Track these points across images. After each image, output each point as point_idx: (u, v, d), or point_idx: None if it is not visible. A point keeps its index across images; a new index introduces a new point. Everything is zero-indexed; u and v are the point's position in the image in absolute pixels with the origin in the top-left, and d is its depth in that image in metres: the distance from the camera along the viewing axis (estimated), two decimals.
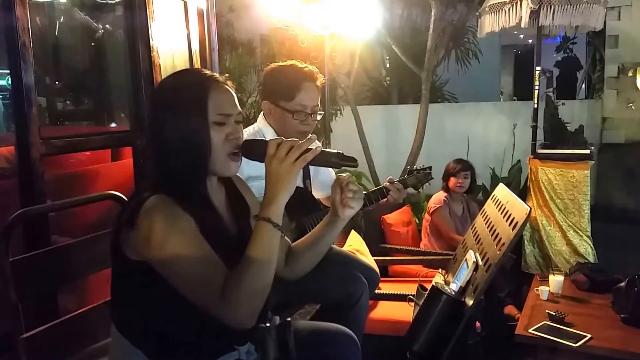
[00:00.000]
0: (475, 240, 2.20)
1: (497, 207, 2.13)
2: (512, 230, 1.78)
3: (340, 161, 1.77)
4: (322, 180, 3.20)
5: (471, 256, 1.95)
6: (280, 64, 2.90)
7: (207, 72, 1.82)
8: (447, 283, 1.98)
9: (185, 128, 1.70)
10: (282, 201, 1.66)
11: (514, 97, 14.86)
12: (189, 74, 1.96)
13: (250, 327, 1.62)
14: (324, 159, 1.73)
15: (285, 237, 2.10)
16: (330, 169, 3.31)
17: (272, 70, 2.89)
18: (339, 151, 1.77)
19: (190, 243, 1.61)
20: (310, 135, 1.83)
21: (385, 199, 2.98)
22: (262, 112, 2.96)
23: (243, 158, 1.79)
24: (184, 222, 1.62)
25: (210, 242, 1.66)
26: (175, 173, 1.72)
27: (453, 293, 1.88)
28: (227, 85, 1.81)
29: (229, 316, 1.59)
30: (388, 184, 2.99)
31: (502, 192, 2.22)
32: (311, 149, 1.69)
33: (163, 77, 3.38)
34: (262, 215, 1.65)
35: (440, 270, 2.19)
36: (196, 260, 1.61)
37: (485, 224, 2.17)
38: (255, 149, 1.75)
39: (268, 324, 1.55)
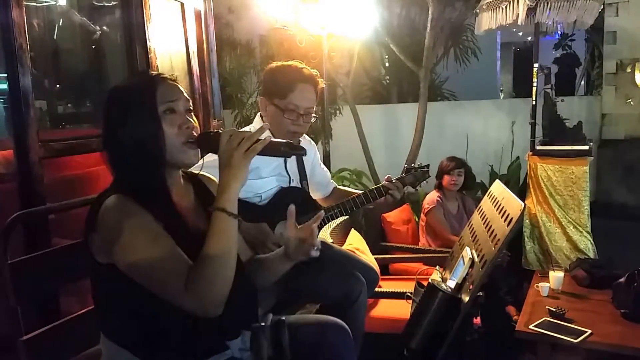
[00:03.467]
0: (471, 236, 2.20)
1: (493, 203, 2.14)
2: (507, 226, 1.79)
3: (290, 150, 1.81)
4: (318, 181, 3.22)
5: (467, 253, 1.96)
6: (283, 63, 2.92)
7: (154, 72, 1.88)
8: (444, 280, 1.99)
9: (138, 124, 1.73)
10: (235, 190, 1.70)
11: (514, 95, 14.85)
12: (136, 75, 2.07)
13: (217, 315, 1.64)
14: (274, 149, 1.77)
15: (248, 249, 2.16)
16: (325, 170, 3.32)
17: (272, 68, 2.91)
18: (288, 141, 1.80)
19: (149, 238, 1.64)
20: (262, 124, 1.85)
21: (384, 197, 2.99)
22: (259, 113, 2.98)
23: None
24: (142, 218, 1.65)
25: (173, 237, 1.68)
26: (133, 170, 1.76)
27: (449, 290, 1.88)
28: (175, 81, 1.85)
29: (193, 306, 1.61)
30: (386, 182, 3.00)
31: (498, 188, 2.23)
32: (261, 139, 1.72)
33: None
34: (216, 205, 1.68)
35: (437, 267, 2.19)
36: (157, 255, 1.63)
37: (482, 220, 2.18)
38: (209, 141, 1.79)
39: (262, 323, 1.56)
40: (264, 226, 2.74)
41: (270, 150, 1.74)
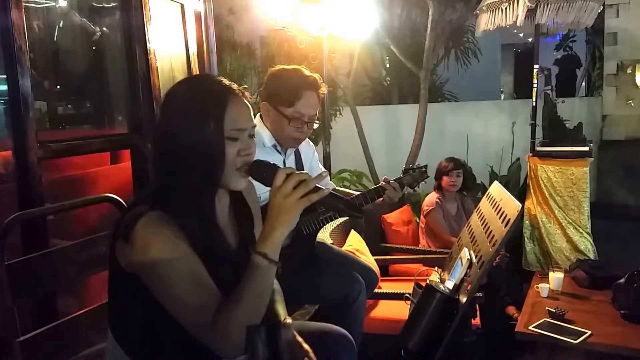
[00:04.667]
0: (470, 237, 2.20)
1: (491, 204, 2.14)
2: (505, 227, 1.78)
3: (347, 209, 1.71)
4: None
5: (465, 254, 1.96)
6: (285, 67, 2.90)
7: (226, 81, 1.74)
8: (442, 281, 1.99)
9: (200, 140, 1.62)
10: (281, 236, 1.59)
11: (514, 96, 14.85)
12: (206, 81, 1.82)
13: (238, 356, 1.58)
14: (330, 203, 1.68)
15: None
16: (322, 168, 3.32)
17: (275, 73, 2.89)
18: (348, 198, 1.71)
19: (184, 269, 1.57)
20: (323, 171, 1.77)
21: (381, 198, 2.98)
22: (259, 113, 2.97)
23: None
24: (179, 245, 1.58)
25: (209, 259, 1.62)
26: (182, 187, 1.65)
27: (447, 291, 1.88)
28: (245, 97, 1.74)
29: (217, 345, 1.57)
30: (384, 183, 2.99)
31: (496, 189, 2.23)
32: (320, 187, 1.61)
33: (160, 79, 3.43)
34: (258, 249, 1.59)
35: (436, 268, 2.19)
36: (189, 287, 1.57)
37: (480, 221, 2.18)
38: (263, 173, 1.67)
39: (257, 323, 1.55)
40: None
41: (326, 203, 1.65)
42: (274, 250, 1.59)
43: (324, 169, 3.36)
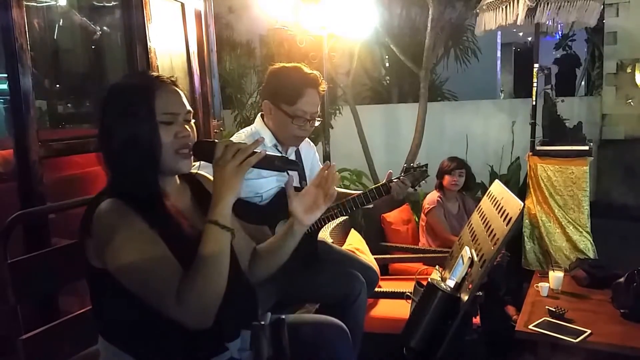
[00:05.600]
0: (471, 236, 2.21)
1: (492, 203, 2.14)
2: (506, 225, 1.79)
3: (284, 165, 1.82)
4: None
5: (466, 252, 1.96)
6: (286, 65, 2.91)
7: (154, 73, 1.85)
8: (443, 279, 1.99)
9: (134, 129, 1.71)
10: (229, 203, 1.69)
11: (514, 95, 14.86)
12: (135, 76, 1.97)
13: (208, 327, 1.62)
14: (268, 163, 1.76)
15: (250, 239, 2.13)
16: None
17: (276, 72, 2.90)
18: (283, 155, 1.80)
19: (142, 246, 1.62)
20: (258, 138, 1.83)
21: (386, 195, 2.99)
22: (260, 113, 2.98)
23: None
24: (134, 225, 1.64)
25: (169, 242, 1.67)
26: (127, 175, 1.74)
27: (448, 289, 1.88)
28: (175, 85, 1.82)
29: (184, 317, 1.60)
30: (394, 179, 2.99)
31: (497, 188, 2.23)
32: (257, 151, 1.71)
33: None
34: (209, 217, 1.67)
35: (437, 267, 2.20)
36: (149, 263, 1.61)
37: (481, 220, 2.18)
38: (204, 150, 1.78)
39: (262, 322, 1.56)
40: (265, 229, 2.75)
41: (264, 163, 1.74)
42: (224, 217, 1.68)
43: None
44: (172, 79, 1.83)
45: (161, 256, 1.64)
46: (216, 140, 1.77)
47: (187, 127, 1.80)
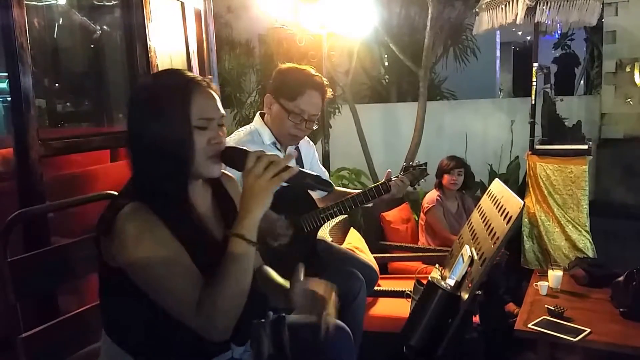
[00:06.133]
0: (471, 235, 2.21)
1: (492, 202, 2.14)
2: (507, 224, 1.79)
3: (316, 184, 1.79)
4: None
5: (467, 251, 1.96)
6: (296, 65, 2.96)
7: (189, 74, 1.79)
8: (443, 278, 1.99)
9: (167, 132, 1.66)
10: (257, 217, 1.65)
11: (513, 94, 14.86)
12: (170, 75, 1.87)
13: (226, 339, 1.62)
14: (300, 179, 1.74)
15: (258, 255, 2.10)
16: (323, 170, 3.33)
17: (284, 69, 2.94)
18: (317, 174, 1.77)
19: (165, 255, 1.60)
20: (290, 151, 1.82)
21: (386, 194, 2.99)
22: (259, 112, 2.99)
23: None
24: (159, 232, 1.61)
25: (192, 248, 1.65)
26: (155, 178, 1.69)
27: (449, 287, 1.89)
28: (211, 88, 1.78)
29: (203, 330, 1.59)
30: (393, 179, 3.00)
31: (497, 187, 2.23)
32: (290, 166, 1.67)
33: None
34: (235, 231, 1.63)
35: (437, 265, 2.20)
36: (171, 273, 1.60)
37: (481, 218, 2.18)
38: (234, 158, 1.74)
39: (263, 320, 1.56)
40: (269, 213, 2.74)
41: (296, 180, 1.70)
42: (251, 232, 1.64)
43: (323, 169, 3.37)
44: (207, 80, 1.78)
45: (183, 266, 1.62)
46: (248, 150, 1.72)
47: (220, 132, 1.76)
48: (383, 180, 3.02)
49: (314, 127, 2.94)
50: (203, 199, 1.86)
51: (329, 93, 2.95)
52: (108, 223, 1.62)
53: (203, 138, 1.70)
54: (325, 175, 3.34)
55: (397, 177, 3.02)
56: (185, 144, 1.67)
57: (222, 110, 1.79)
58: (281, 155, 2.92)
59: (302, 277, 1.84)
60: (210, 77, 1.82)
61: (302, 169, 1.74)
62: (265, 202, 1.65)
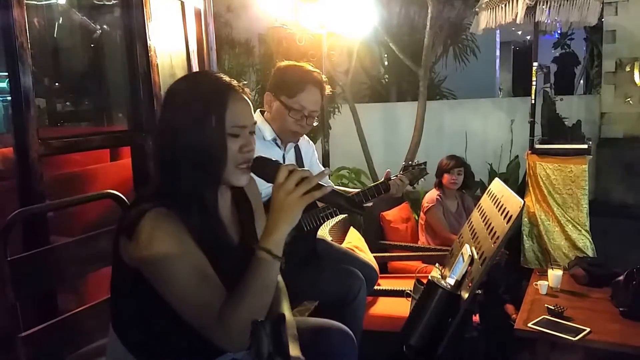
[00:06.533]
0: (471, 234, 2.20)
1: (492, 201, 2.14)
2: (507, 223, 1.78)
3: (349, 207, 1.76)
4: None
5: (467, 250, 1.96)
6: (294, 62, 2.96)
7: (226, 78, 1.75)
8: (443, 277, 1.99)
9: (200, 137, 1.63)
10: (284, 232, 1.62)
11: (512, 94, 14.87)
12: (207, 78, 1.82)
13: (244, 349, 1.60)
14: (332, 200, 1.70)
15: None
16: (321, 167, 3.33)
17: (283, 67, 2.94)
18: (349, 195, 1.73)
19: (190, 263, 1.58)
20: (324, 169, 1.79)
21: (385, 193, 2.99)
22: (259, 109, 2.99)
23: None
24: (184, 240, 1.59)
25: (211, 253, 1.63)
26: (183, 182, 1.65)
27: (449, 287, 1.88)
28: (245, 93, 1.75)
29: (223, 340, 1.58)
30: (392, 178, 3.00)
31: (497, 186, 2.23)
32: (322, 185, 1.63)
33: (161, 76, 3.43)
34: (262, 244, 1.61)
35: (437, 265, 2.19)
36: (194, 282, 1.58)
37: (481, 218, 2.17)
38: (266, 169, 1.70)
39: (262, 319, 1.55)
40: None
41: (327, 200, 1.68)
42: (277, 246, 1.61)
43: (322, 168, 3.37)
44: (242, 86, 1.75)
45: (206, 275, 1.60)
46: (280, 163, 1.70)
47: (252, 140, 1.74)
48: (382, 179, 3.02)
49: (315, 124, 2.94)
50: (224, 202, 1.83)
51: (328, 89, 2.95)
52: (132, 225, 1.58)
53: (235, 145, 1.68)
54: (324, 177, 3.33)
55: (397, 176, 3.02)
56: (218, 150, 1.65)
57: (255, 117, 1.77)
58: (281, 153, 2.94)
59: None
60: (245, 82, 1.77)
61: (334, 189, 1.69)
62: (294, 219, 1.62)
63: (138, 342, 1.74)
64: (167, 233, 1.57)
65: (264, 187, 2.85)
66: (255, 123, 1.77)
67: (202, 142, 1.63)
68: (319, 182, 1.63)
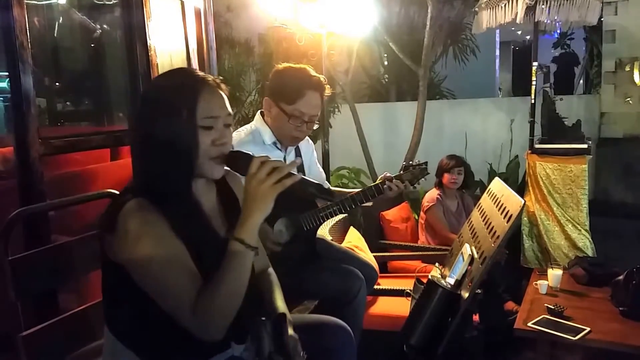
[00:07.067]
0: (471, 233, 2.21)
1: (492, 200, 2.15)
2: (507, 223, 1.79)
3: (318, 193, 1.79)
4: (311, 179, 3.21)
5: (467, 249, 1.96)
6: (292, 65, 2.93)
7: (199, 73, 1.79)
8: (443, 277, 1.99)
9: (173, 131, 1.67)
10: (257, 222, 1.65)
11: (512, 94, 14.87)
12: (180, 74, 1.90)
13: (219, 339, 1.62)
14: (302, 188, 1.72)
15: (266, 257, 2.14)
16: (321, 171, 3.33)
17: (281, 71, 2.92)
18: (319, 183, 1.76)
19: (164, 252, 1.60)
20: (296, 159, 1.82)
21: (381, 194, 2.99)
22: (259, 111, 2.99)
23: None
24: (160, 230, 1.61)
25: (195, 246, 1.65)
26: (158, 175, 1.70)
27: (449, 286, 1.89)
28: (220, 88, 1.78)
29: (198, 330, 1.59)
30: (387, 181, 3.00)
31: (497, 186, 2.24)
32: (293, 174, 1.67)
33: None
34: (235, 235, 1.63)
35: (437, 264, 2.20)
36: (169, 271, 1.59)
37: (481, 217, 2.18)
38: (239, 162, 1.74)
39: (264, 318, 1.56)
40: (264, 226, 2.76)
41: (298, 188, 1.69)
42: (251, 236, 1.64)
43: (321, 170, 3.36)
44: (218, 80, 1.78)
45: (182, 265, 1.62)
46: (252, 155, 1.72)
47: (226, 133, 1.76)
48: (380, 180, 3.02)
49: (315, 127, 2.94)
50: (208, 196, 1.86)
51: (328, 90, 2.94)
52: (111, 219, 1.62)
53: (208, 138, 1.71)
54: (322, 175, 3.33)
55: (392, 180, 3.00)
56: (189, 143, 1.68)
57: (230, 109, 1.79)
58: (281, 155, 2.94)
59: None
60: (221, 78, 1.80)
61: (304, 177, 1.73)
62: (265, 208, 1.64)
63: (134, 339, 1.74)
64: (143, 221, 1.60)
65: None
66: (230, 114, 1.79)
67: (174, 136, 1.67)
68: (290, 172, 1.66)
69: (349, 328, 2.20)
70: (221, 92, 1.78)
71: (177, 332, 1.64)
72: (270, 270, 2.17)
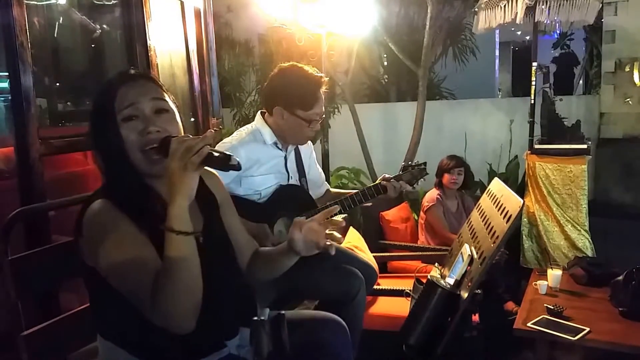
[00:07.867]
0: (470, 234, 2.21)
1: (492, 200, 2.15)
2: (506, 223, 1.79)
3: (223, 163, 1.63)
4: (312, 179, 3.22)
5: (466, 250, 1.97)
6: (292, 69, 2.90)
7: (125, 70, 1.80)
8: (443, 277, 2.00)
9: (99, 130, 1.70)
10: (181, 205, 1.55)
11: (511, 94, 14.87)
12: (111, 77, 1.83)
13: (189, 331, 1.57)
14: (212, 161, 1.60)
15: (252, 239, 2.13)
16: (320, 172, 3.33)
17: (283, 76, 2.89)
18: (227, 153, 1.65)
19: (125, 248, 1.58)
20: (207, 131, 1.73)
21: (381, 195, 3.00)
22: (260, 111, 2.98)
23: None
24: (121, 226, 1.61)
25: (158, 245, 1.60)
26: (110, 176, 1.73)
27: (448, 286, 1.89)
28: (143, 77, 1.77)
29: (162, 322, 1.55)
30: (384, 181, 3.00)
31: (496, 186, 2.24)
32: (206, 148, 1.57)
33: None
34: (165, 224, 1.56)
35: (436, 264, 2.20)
36: (129, 266, 1.57)
37: (481, 217, 2.18)
38: (165, 148, 1.62)
39: (262, 317, 1.55)
40: (264, 227, 2.76)
41: (209, 162, 1.59)
42: (179, 221, 1.55)
43: (320, 170, 3.36)
44: (141, 71, 1.80)
45: (144, 261, 1.58)
46: (172, 136, 1.64)
47: (158, 120, 1.72)
48: (379, 180, 3.02)
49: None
50: None
51: (326, 83, 2.93)
52: (78, 222, 1.66)
53: (132, 131, 1.69)
54: (322, 175, 3.33)
55: (391, 180, 3.01)
56: (113, 139, 1.68)
57: (156, 93, 1.75)
58: (282, 154, 2.95)
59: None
60: (139, 70, 1.80)
61: (211, 150, 1.59)
62: (186, 189, 1.55)
63: (125, 340, 1.74)
64: (105, 220, 1.61)
65: (263, 188, 2.88)
66: (159, 98, 1.75)
67: (101, 134, 1.71)
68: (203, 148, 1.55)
69: (342, 321, 2.20)
70: (142, 79, 1.76)
71: (164, 329, 1.63)
72: (260, 249, 2.15)
